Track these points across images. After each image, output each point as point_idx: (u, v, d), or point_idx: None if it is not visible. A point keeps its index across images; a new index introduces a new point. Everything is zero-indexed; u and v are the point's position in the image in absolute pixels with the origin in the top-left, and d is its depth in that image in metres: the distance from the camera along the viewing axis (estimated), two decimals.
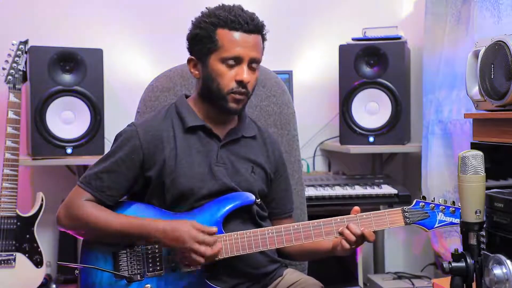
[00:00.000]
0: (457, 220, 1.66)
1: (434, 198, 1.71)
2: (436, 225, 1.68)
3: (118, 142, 1.74)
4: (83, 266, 1.69)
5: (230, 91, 1.70)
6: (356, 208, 1.70)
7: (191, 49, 1.78)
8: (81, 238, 1.76)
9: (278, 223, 1.80)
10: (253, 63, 1.72)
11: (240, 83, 1.70)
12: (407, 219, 1.68)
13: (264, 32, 1.76)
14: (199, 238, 1.61)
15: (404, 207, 1.69)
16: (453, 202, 1.69)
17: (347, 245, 1.65)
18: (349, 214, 1.69)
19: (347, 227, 1.65)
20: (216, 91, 1.72)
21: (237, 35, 1.69)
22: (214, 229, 1.64)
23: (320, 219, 1.69)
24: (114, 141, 1.76)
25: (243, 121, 1.85)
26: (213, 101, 1.74)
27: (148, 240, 1.66)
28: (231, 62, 1.70)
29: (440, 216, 1.68)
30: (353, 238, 1.64)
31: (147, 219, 1.67)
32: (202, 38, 1.71)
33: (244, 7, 1.76)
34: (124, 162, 1.71)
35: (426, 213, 1.68)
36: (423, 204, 1.69)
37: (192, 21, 1.76)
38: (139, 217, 1.67)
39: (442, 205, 1.69)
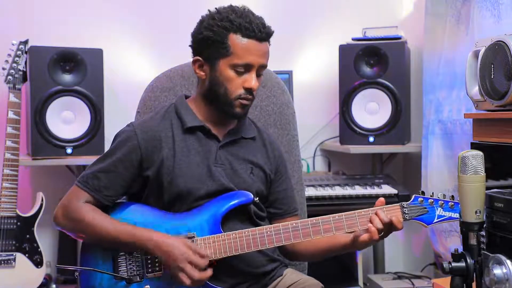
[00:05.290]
0: (456, 215, 1.65)
1: (432, 193, 1.70)
2: (435, 220, 1.67)
3: (116, 142, 1.74)
4: (82, 268, 1.69)
5: (238, 97, 1.71)
6: (381, 199, 1.69)
7: (199, 50, 1.75)
8: (77, 239, 1.76)
9: (283, 222, 1.80)
10: (261, 69, 1.73)
11: (248, 90, 1.70)
12: (406, 215, 1.67)
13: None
14: (190, 259, 1.60)
15: (403, 203, 1.68)
16: (452, 197, 1.68)
17: (376, 236, 1.63)
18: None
19: (376, 214, 1.64)
20: (223, 96, 1.72)
21: (249, 42, 1.68)
22: (207, 252, 1.63)
23: (319, 217, 1.68)
24: (113, 141, 1.76)
25: (243, 122, 1.85)
26: (218, 105, 1.74)
27: (141, 250, 1.65)
28: (241, 69, 1.69)
29: (439, 211, 1.67)
30: (380, 226, 1.63)
31: (142, 228, 1.66)
32: (213, 42, 1.70)
33: (240, 5, 1.74)
34: (122, 162, 1.71)
35: (425, 208, 1.67)
36: (422, 199, 1.68)
37: (200, 20, 1.74)
38: (135, 226, 1.67)
39: (441, 199, 1.68)
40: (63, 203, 1.72)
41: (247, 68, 1.70)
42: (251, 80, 1.70)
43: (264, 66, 1.73)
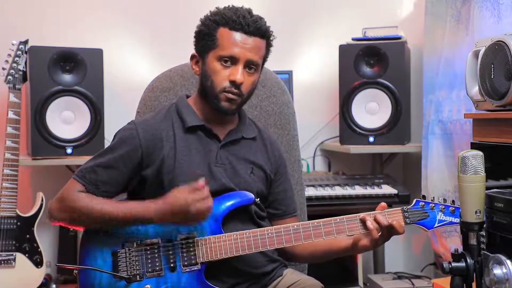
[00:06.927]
0: (456, 220, 1.66)
1: (433, 198, 1.71)
2: (436, 225, 1.68)
3: (117, 139, 1.74)
4: (81, 267, 1.68)
5: (223, 90, 1.71)
6: (383, 204, 1.70)
7: (195, 46, 1.79)
8: (77, 229, 1.74)
9: (282, 223, 1.79)
10: (250, 65, 1.72)
11: (233, 83, 1.70)
12: (407, 219, 1.68)
13: (270, 38, 1.77)
14: (196, 198, 1.59)
15: (404, 207, 1.69)
16: (453, 202, 1.69)
17: (376, 235, 1.64)
18: (350, 213, 1.69)
19: (375, 219, 1.65)
20: (210, 89, 1.72)
21: (236, 35, 1.70)
22: (201, 183, 1.62)
23: (320, 219, 1.69)
24: (113, 138, 1.76)
25: (243, 122, 1.85)
26: (208, 99, 1.75)
27: (149, 222, 1.65)
28: (227, 61, 1.70)
29: (440, 216, 1.68)
30: (376, 233, 1.63)
31: (140, 203, 1.65)
32: (204, 35, 1.73)
33: (244, 7, 1.76)
34: (122, 159, 1.71)
35: (426, 212, 1.68)
36: (423, 203, 1.69)
37: (200, 18, 1.78)
38: (134, 202, 1.67)
39: (442, 204, 1.69)
40: (59, 197, 1.71)
41: (233, 60, 1.70)
42: (237, 73, 1.69)
43: (253, 62, 1.72)
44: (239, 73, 1.69)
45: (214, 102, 1.73)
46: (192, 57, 1.80)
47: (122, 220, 1.65)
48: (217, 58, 1.71)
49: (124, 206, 1.66)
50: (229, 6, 1.76)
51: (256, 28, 1.71)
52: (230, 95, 1.71)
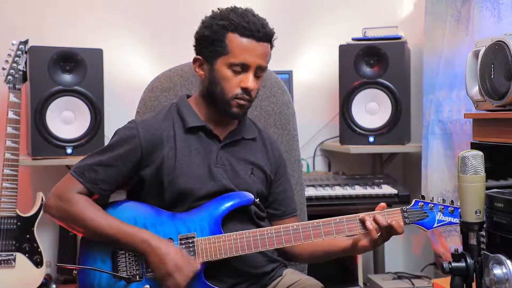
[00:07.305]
0: (456, 220, 1.67)
1: (433, 198, 1.71)
2: (435, 225, 1.69)
3: (117, 138, 1.73)
4: (81, 267, 1.68)
5: (234, 97, 1.70)
6: (383, 204, 1.70)
7: (198, 49, 1.76)
8: (71, 230, 1.74)
9: (282, 223, 1.78)
10: (259, 70, 1.72)
11: (245, 90, 1.70)
12: (406, 219, 1.68)
13: (273, 40, 1.76)
14: (180, 266, 1.60)
15: (403, 207, 1.69)
16: (452, 202, 1.69)
17: (375, 235, 1.64)
18: (350, 213, 1.70)
19: (374, 219, 1.65)
20: (220, 95, 1.71)
21: (247, 41, 1.68)
22: (197, 265, 1.63)
23: (320, 219, 1.69)
24: (113, 136, 1.75)
25: (244, 122, 1.85)
26: (216, 104, 1.74)
27: (133, 250, 1.65)
28: (237, 68, 1.69)
29: (439, 216, 1.68)
30: (375, 233, 1.64)
31: (137, 228, 1.65)
32: (212, 41, 1.70)
33: (244, 7, 1.75)
34: (121, 158, 1.70)
35: (425, 213, 1.69)
36: (422, 204, 1.69)
37: (202, 20, 1.75)
38: (129, 224, 1.66)
39: (441, 204, 1.69)
40: (56, 193, 1.70)
41: (244, 67, 1.69)
42: (248, 80, 1.69)
43: (262, 68, 1.72)
44: (250, 81, 1.69)
45: (225, 108, 1.72)
46: (195, 60, 1.77)
47: (109, 236, 1.64)
48: (228, 65, 1.69)
49: (116, 224, 1.65)
50: (232, 8, 1.73)
51: (264, 34, 1.70)
52: (242, 102, 1.71)
